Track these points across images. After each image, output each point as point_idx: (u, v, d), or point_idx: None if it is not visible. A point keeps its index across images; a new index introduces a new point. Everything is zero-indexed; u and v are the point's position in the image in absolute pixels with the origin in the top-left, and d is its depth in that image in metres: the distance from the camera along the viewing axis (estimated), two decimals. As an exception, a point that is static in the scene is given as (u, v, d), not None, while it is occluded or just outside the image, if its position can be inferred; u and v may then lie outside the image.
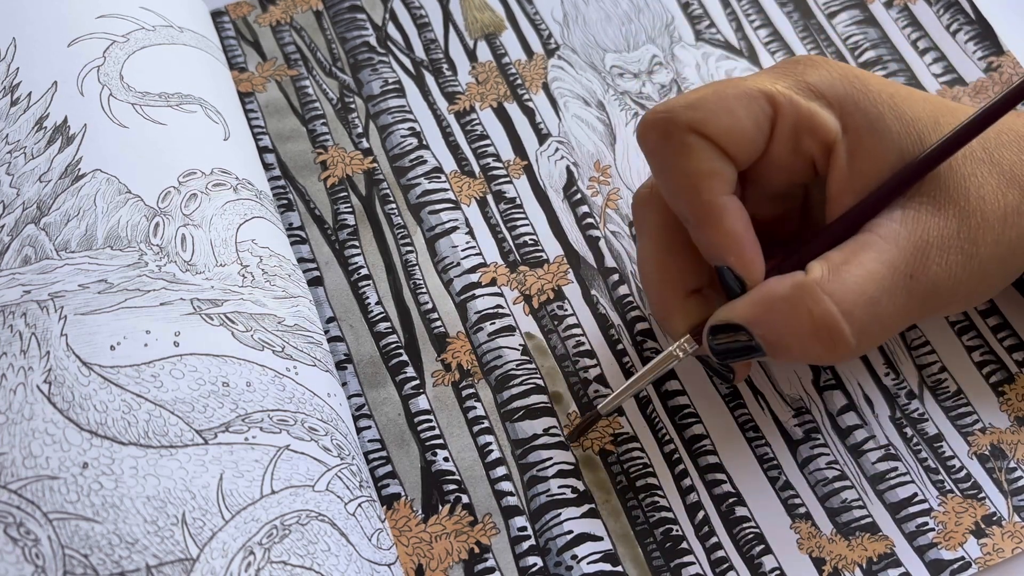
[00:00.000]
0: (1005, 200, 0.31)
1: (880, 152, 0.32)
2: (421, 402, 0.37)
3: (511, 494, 0.35)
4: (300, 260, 0.39)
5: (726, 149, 0.32)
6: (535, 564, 0.34)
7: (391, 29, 0.46)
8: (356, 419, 0.36)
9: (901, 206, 0.32)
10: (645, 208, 0.35)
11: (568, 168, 0.42)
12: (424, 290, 0.39)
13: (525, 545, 0.34)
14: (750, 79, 0.33)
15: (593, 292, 0.39)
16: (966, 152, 0.32)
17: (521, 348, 0.38)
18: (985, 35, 0.44)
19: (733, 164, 0.32)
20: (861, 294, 0.30)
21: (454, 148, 0.42)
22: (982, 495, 0.34)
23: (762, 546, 0.34)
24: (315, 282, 0.39)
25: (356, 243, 0.40)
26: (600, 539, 0.34)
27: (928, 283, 0.31)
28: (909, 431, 0.36)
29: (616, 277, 0.39)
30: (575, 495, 0.35)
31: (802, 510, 0.35)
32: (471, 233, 0.40)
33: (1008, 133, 0.33)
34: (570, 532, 0.34)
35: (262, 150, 0.42)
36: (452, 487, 0.35)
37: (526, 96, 0.44)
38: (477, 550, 0.34)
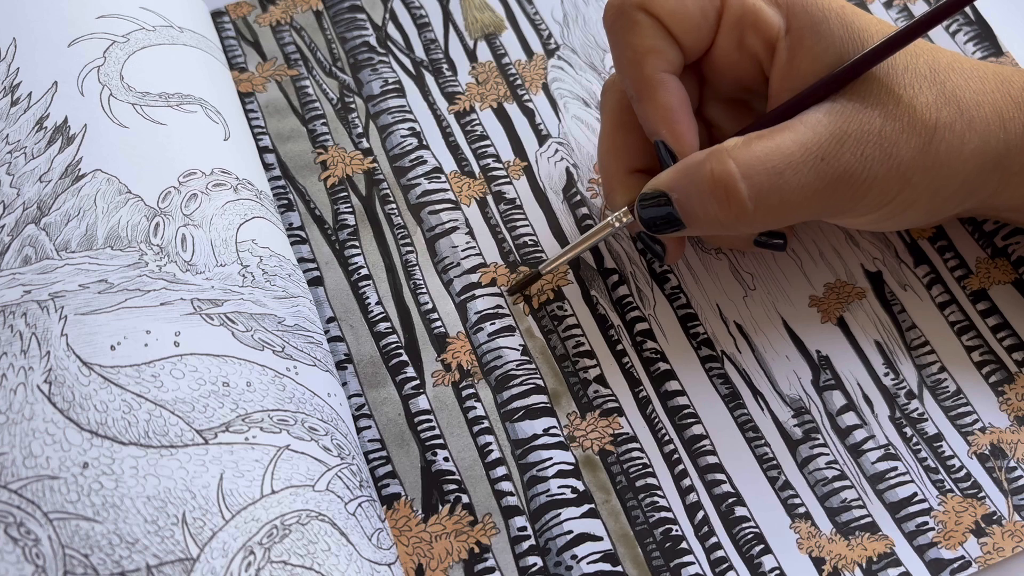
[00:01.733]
0: (939, 114, 0.32)
1: (819, 53, 0.33)
2: (421, 402, 0.37)
3: (511, 494, 0.35)
4: (300, 260, 0.39)
5: (671, 30, 0.34)
6: (535, 564, 0.34)
7: (391, 29, 0.46)
8: (356, 419, 0.36)
9: (830, 101, 0.33)
10: (607, 92, 0.37)
11: (568, 169, 0.42)
12: (424, 290, 0.39)
13: (525, 545, 0.34)
14: None
15: (593, 292, 0.39)
16: (908, 65, 0.33)
17: (521, 348, 0.38)
18: (984, 36, 0.44)
19: (678, 47, 0.34)
20: (764, 161, 0.32)
21: (454, 148, 0.42)
22: (982, 494, 0.34)
23: (762, 546, 0.34)
24: (315, 282, 0.39)
25: (356, 243, 0.40)
26: (600, 539, 0.34)
27: (839, 168, 0.32)
28: (909, 431, 0.36)
29: (616, 278, 0.39)
30: (575, 495, 0.35)
31: (802, 510, 0.35)
32: (471, 233, 0.40)
33: (963, 62, 0.34)
34: (570, 532, 0.34)
35: (262, 150, 0.42)
36: (452, 487, 0.35)
37: (526, 97, 0.44)
38: (477, 550, 0.34)
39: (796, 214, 0.33)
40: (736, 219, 0.32)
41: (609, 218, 0.36)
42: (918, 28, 0.32)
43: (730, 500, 0.35)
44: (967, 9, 0.45)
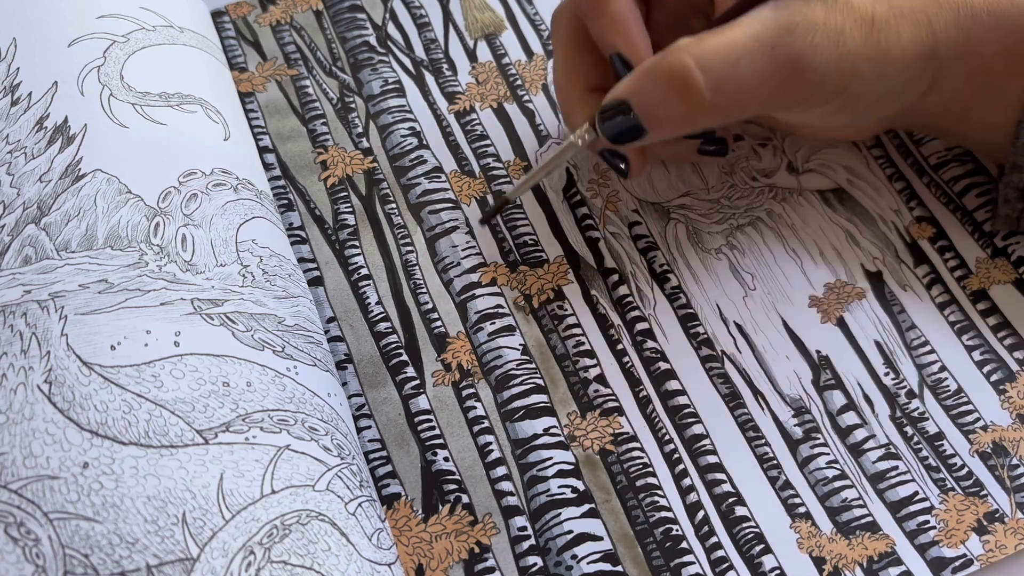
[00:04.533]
0: (874, 8, 0.34)
1: None
2: (421, 402, 0.37)
3: (511, 494, 0.35)
4: (300, 260, 0.39)
5: None
6: (535, 564, 0.34)
7: (391, 29, 0.46)
8: (356, 419, 0.36)
9: (773, 1, 0.34)
10: (560, 18, 0.39)
11: (568, 169, 0.42)
12: (424, 290, 0.39)
13: (525, 545, 0.34)
14: None
15: (593, 292, 0.39)
16: None
17: (521, 348, 0.38)
18: None
19: None
20: (717, 52, 0.33)
21: (454, 148, 0.42)
22: (984, 492, 0.34)
23: (762, 546, 0.34)
24: (315, 282, 0.39)
25: (356, 243, 0.40)
26: (600, 539, 0.34)
27: (792, 55, 0.33)
28: (909, 430, 0.36)
29: (616, 277, 0.39)
30: (575, 495, 0.35)
31: (802, 509, 0.35)
32: (471, 233, 0.40)
33: None
34: (570, 532, 0.34)
35: (262, 150, 0.42)
36: (452, 487, 0.35)
37: (526, 97, 0.44)
38: (477, 550, 0.34)
39: (752, 103, 0.34)
40: (695, 111, 0.33)
41: (571, 137, 0.36)
42: None
43: (730, 500, 0.35)
44: None
